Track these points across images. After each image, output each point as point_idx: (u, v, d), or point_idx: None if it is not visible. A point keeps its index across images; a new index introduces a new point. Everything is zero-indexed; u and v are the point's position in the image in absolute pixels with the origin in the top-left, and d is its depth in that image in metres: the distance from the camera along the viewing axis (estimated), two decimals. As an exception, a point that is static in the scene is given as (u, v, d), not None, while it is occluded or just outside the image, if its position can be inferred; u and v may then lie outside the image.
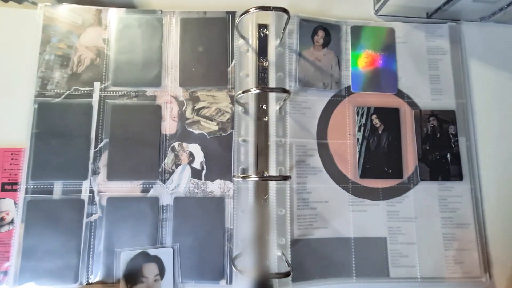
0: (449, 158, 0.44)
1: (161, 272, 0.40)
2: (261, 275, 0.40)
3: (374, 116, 0.45)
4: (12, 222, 0.40)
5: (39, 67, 0.43)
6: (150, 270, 0.39)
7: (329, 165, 0.44)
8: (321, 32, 0.47)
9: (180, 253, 0.40)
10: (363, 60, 0.47)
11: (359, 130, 0.44)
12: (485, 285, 0.42)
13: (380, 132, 0.44)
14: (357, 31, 0.47)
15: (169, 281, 0.39)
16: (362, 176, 0.43)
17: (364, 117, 0.45)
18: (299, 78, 0.45)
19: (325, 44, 0.46)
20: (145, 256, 0.40)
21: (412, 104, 0.46)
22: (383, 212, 0.43)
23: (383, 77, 0.46)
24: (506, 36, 0.49)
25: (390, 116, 0.45)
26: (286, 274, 0.37)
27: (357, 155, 0.44)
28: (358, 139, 0.44)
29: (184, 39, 0.45)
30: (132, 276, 0.39)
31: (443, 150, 0.44)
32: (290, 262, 0.40)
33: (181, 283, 0.40)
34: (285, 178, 0.39)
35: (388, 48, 0.47)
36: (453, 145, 0.44)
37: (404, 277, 0.41)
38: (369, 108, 0.45)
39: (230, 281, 0.40)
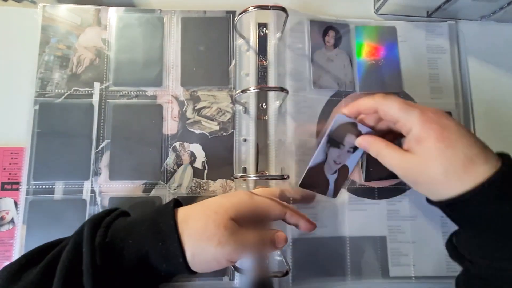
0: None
1: (356, 149, 0.40)
2: (260, 274, 0.40)
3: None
4: (12, 221, 0.40)
5: (39, 68, 0.43)
6: (349, 140, 0.39)
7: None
8: (332, 32, 0.46)
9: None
10: (367, 59, 0.46)
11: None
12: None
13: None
14: (360, 30, 0.47)
15: (354, 158, 0.40)
16: (367, 179, 0.43)
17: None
18: (313, 81, 0.45)
19: (336, 44, 0.46)
20: (354, 126, 0.38)
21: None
22: (383, 211, 0.43)
23: (387, 76, 0.46)
24: (506, 35, 0.49)
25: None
26: (285, 273, 0.38)
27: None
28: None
29: (185, 39, 0.45)
30: (335, 138, 0.39)
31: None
32: (290, 261, 0.40)
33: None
34: (283, 177, 0.39)
35: (391, 47, 0.47)
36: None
37: (404, 275, 0.42)
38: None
39: (232, 278, 0.41)
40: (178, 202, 0.36)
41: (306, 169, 0.40)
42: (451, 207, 0.32)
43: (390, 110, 0.33)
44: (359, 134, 0.38)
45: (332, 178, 0.41)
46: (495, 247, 0.30)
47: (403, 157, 0.33)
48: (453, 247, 0.34)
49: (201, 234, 0.31)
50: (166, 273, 0.32)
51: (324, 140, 0.39)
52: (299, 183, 0.40)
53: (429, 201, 0.35)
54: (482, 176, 0.29)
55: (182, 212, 0.34)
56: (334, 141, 0.39)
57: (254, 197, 0.35)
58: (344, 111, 0.38)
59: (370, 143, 0.36)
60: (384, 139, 0.35)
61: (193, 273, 0.32)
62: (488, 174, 0.29)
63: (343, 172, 0.41)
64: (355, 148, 0.39)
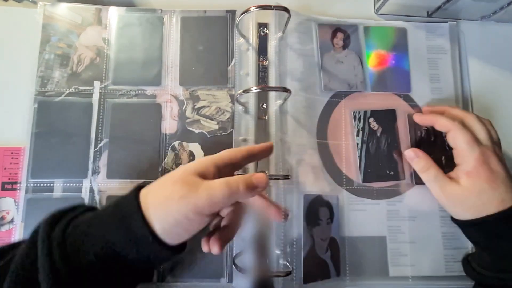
0: (443, 161, 0.43)
1: (331, 217, 0.42)
2: (261, 274, 0.40)
3: (371, 119, 0.45)
4: (12, 221, 0.40)
5: (39, 67, 0.43)
6: (323, 213, 0.42)
7: (329, 165, 0.44)
8: (340, 34, 0.47)
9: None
10: (374, 60, 0.46)
11: (357, 135, 0.44)
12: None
13: (378, 134, 0.44)
14: (368, 31, 0.47)
15: (336, 224, 0.43)
16: (365, 180, 0.43)
17: (361, 121, 0.45)
18: (323, 83, 0.45)
19: (345, 46, 0.46)
20: (320, 198, 0.42)
21: (412, 104, 0.46)
22: (382, 211, 0.43)
23: (397, 77, 0.46)
24: (507, 35, 0.49)
25: (387, 118, 0.45)
26: (287, 273, 0.38)
27: (358, 160, 0.44)
28: (357, 144, 0.44)
29: (185, 38, 0.45)
30: (311, 217, 0.42)
31: (438, 154, 0.43)
32: (291, 261, 0.40)
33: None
34: (286, 177, 0.39)
35: (400, 48, 0.47)
36: (447, 148, 0.43)
37: (403, 276, 0.42)
38: (365, 112, 0.45)
39: (230, 280, 0.40)
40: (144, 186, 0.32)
41: (302, 262, 0.40)
42: (471, 226, 0.38)
43: (459, 138, 0.39)
44: (328, 204, 0.42)
45: (327, 257, 0.41)
46: (502, 262, 0.36)
47: (449, 184, 0.38)
48: (468, 263, 0.41)
49: (161, 199, 0.29)
50: (140, 262, 0.29)
51: (303, 224, 0.41)
52: (302, 280, 0.40)
53: (453, 219, 0.41)
54: (504, 207, 0.36)
55: (145, 190, 0.30)
56: (312, 220, 0.41)
57: (214, 156, 0.33)
58: (416, 119, 0.44)
59: (419, 157, 0.41)
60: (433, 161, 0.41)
61: (174, 252, 0.30)
62: (510, 205, 0.36)
63: (333, 247, 0.41)
64: (332, 218, 0.42)
